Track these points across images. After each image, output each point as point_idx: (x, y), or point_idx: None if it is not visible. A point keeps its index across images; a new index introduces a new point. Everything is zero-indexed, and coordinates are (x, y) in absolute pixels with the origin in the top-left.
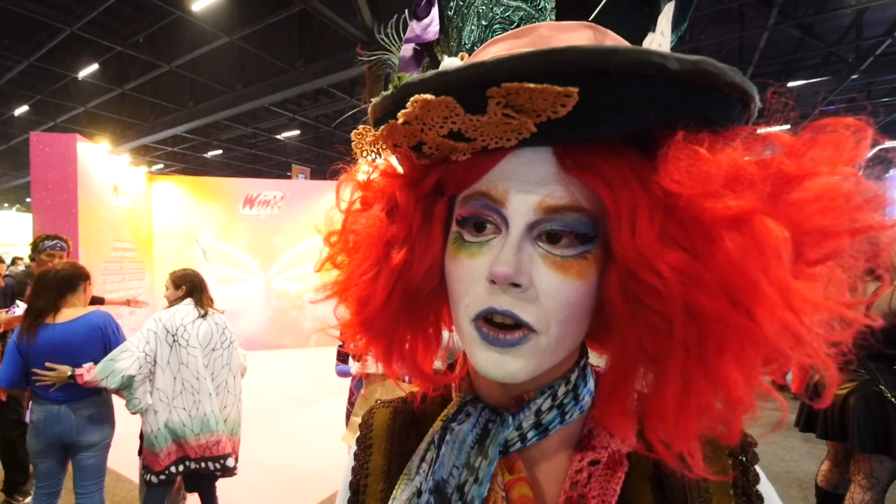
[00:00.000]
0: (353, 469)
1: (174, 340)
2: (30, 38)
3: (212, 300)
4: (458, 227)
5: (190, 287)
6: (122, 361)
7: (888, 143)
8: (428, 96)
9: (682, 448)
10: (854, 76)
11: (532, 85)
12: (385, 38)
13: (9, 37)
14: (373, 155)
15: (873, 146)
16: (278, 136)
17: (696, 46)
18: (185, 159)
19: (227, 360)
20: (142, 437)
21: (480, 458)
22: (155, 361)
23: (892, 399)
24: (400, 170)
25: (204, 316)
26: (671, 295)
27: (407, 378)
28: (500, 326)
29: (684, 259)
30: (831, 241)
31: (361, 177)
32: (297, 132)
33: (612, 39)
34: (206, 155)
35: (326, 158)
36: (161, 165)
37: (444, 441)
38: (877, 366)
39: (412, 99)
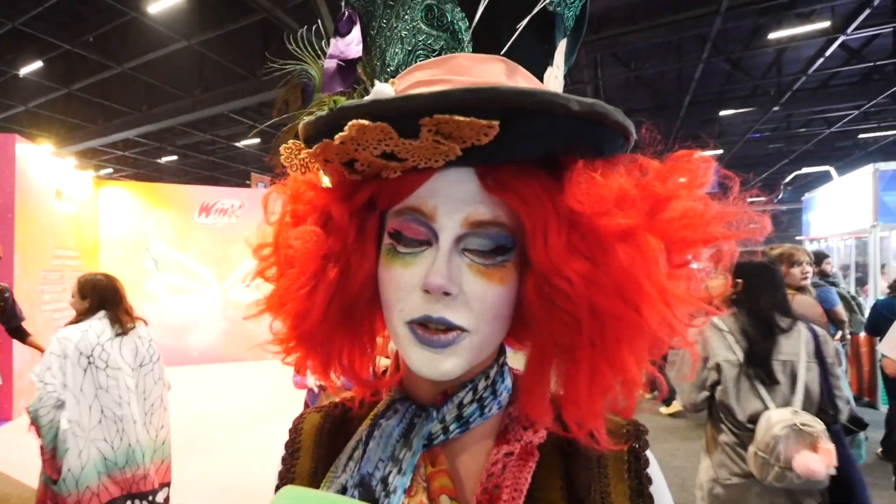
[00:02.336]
0: (280, 473)
1: (89, 363)
2: None
3: (130, 311)
4: (391, 239)
5: (99, 299)
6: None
7: (805, 170)
8: (365, 122)
9: (592, 426)
10: (776, 108)
11: (461, 118)
12: (297, 48)
13: None
14: (302, 169)
15: (717, 175)
16: (238, 144)
17: (640, 75)
18: (136, 164)
19: (159, 374)
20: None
21: (405, 451)
22: (65, 387)
23: None
24: (326, 184)
25: (123, 333)
26: (577, 296)
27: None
28: (434, 330)
29: (587, 266)
30: (690, 249)
31: (292, 190)
32: (257, 140)
33: (521, 73)
34: (160, 161)
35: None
36: (110, 170)
37: (372, 437)
38: None
39: (350, 123)
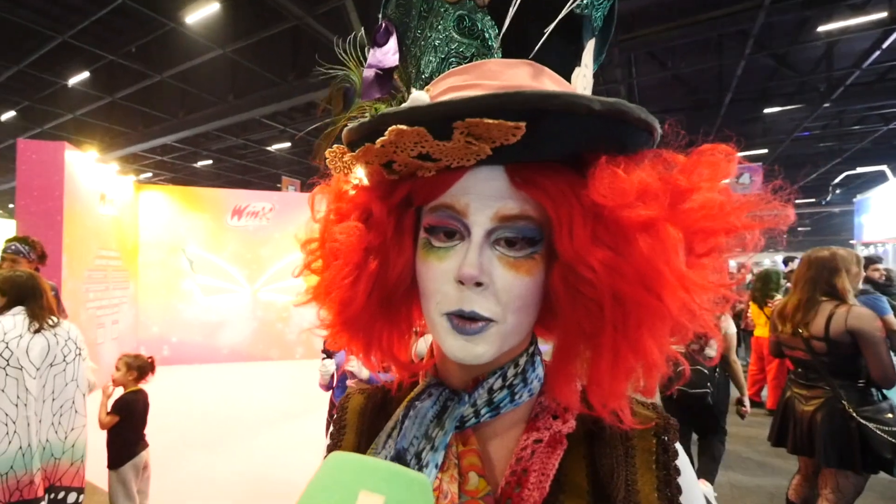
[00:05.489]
0: (328, 447)
1: None
2: (20, 45)
3: (52, 310)
4: (427, 234)
5: (17, 294)
6: None
7: (859, 169)
8: (403, 126)
9: (615, 406)
10: (826, 104)
11: (490, 120)
12: (343, 54)
13: None
14: (345, 171)
15: (741, 167)
16: (269, 148)
17: (677, 73)
18: (174, 169)
19: (73, 374)
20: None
21: (438, 430)
22: None
23: (855, 415)
24: (366, 182)
25: (38, 330)
26: (601, 284)
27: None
28: (466, 318)
29: (610, 256)
30: (712, 238)
31: (335, 190)
32: (287, 144)
33: (548, 75)
34: (195, 165)
35: (317, 171)
36: (150, 174)
37: (408, 416)
38: (841, 383)
39: (390, 128)
